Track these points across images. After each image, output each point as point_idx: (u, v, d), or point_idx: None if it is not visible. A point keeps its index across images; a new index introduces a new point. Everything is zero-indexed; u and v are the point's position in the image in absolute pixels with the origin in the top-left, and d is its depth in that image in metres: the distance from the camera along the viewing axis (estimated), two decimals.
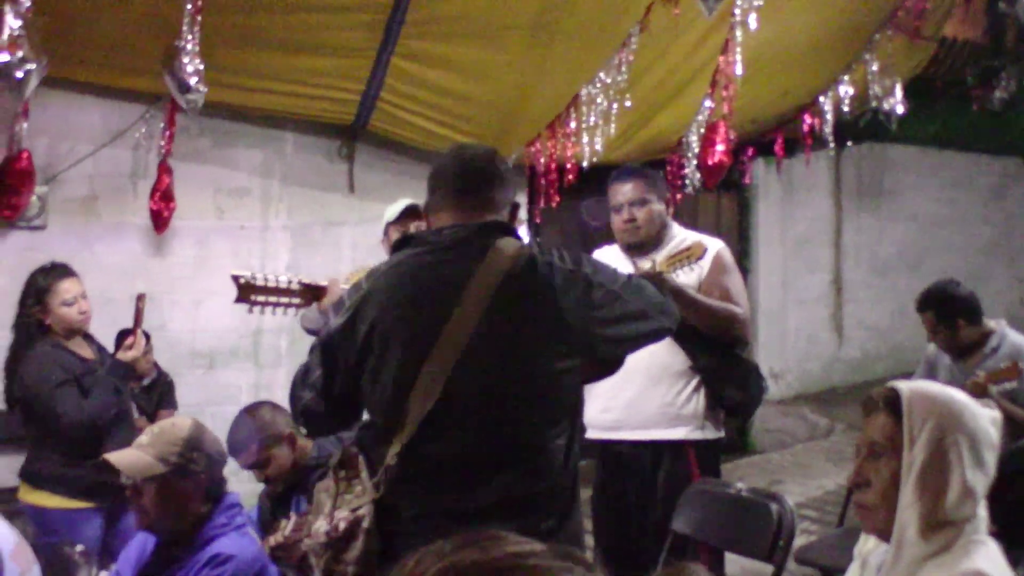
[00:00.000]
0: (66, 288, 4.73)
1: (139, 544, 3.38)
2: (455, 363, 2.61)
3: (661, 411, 4.28)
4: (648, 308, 2.87)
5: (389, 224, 4.71)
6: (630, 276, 2.96)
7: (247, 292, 3.35)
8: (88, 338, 4.92)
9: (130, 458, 3.22)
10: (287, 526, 3.36)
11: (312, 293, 3.43)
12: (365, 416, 2.92)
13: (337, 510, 2.73)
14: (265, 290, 3.38)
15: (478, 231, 2.76)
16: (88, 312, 4.81)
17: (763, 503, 3.87)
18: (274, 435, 4.12)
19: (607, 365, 3.03)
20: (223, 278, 7.25)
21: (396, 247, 2.87)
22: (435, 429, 2.62)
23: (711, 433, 4.38)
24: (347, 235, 7.80)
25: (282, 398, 5.03)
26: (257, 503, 4.39)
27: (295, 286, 3.41)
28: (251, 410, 4.27)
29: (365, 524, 2.65)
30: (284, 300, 3.41)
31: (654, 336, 2.95)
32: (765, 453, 9.80)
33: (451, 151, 2.94)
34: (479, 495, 2.62)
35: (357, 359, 2.72)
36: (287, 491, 4.16)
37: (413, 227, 4.63)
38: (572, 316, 2.71)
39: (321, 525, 2.74)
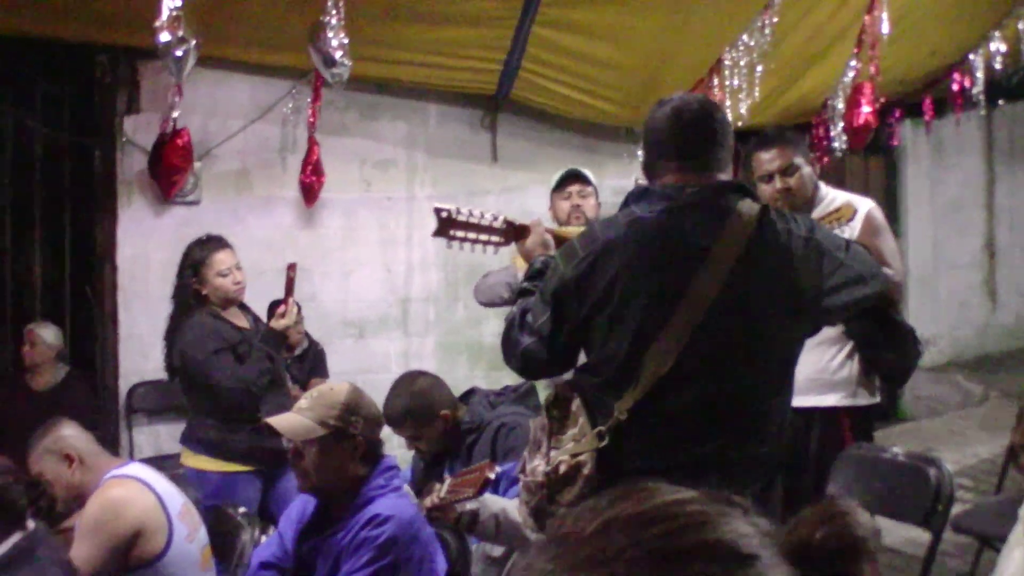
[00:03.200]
0: (221, 259, 4.85)
1: (300, 505, 3.47)
2: (697, 324, 2.60)
3: (813, 377, 4.17)
4: (865, 274, 2.85)
5: (553, 192, 4.77)
6: (848, 241, 2.93)
7: (447, 227, 3.31)
8: (243, 308, 5.04)
9: (291, 421, 3.30)
10: (442, 488, 3.39)
11: (515, 232, 3.40)
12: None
13: (554, 450, 2.76)
14: (466, 225, 3.33)
15: (718, 191, 2.73)
16: (243, 283, 4.92)
17: (921, 467, 3.81)
18: (429, 414, 4.15)
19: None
20: (371, 249, 7.47)
21: (631, 199, 2.81)
22: (668, 388, 2.62)
23: (865, 399, 4.31)
24: (491, 204, 7.80)
25: (430, 366, 5.13)
26: (410, 465, 4.45)
27: (499, 224, 3.36)
28: (411, 380, 4.29)
29: (586, 471, 2.66)
30: (484, 237, 3.36)
31: (868, 301, 2.93)
32: (917, 420, 9.61)
33: (663, 110, 2.84)
34: (700, 454, 2.64)
35: (590, 310, 2.69)
36: (441, 454, 4.21)
37: (575, 192, 4.70)
38: (806, 284, 2.72)
39: (539, 465, 2.77)
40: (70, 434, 3.77)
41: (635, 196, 2.81)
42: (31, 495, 3.09)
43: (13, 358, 6.73)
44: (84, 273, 6.99)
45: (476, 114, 7.93)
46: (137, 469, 3.87)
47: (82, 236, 6.96)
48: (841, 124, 7.89)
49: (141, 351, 6.52)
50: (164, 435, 6.66)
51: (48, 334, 6.43)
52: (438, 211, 3.34)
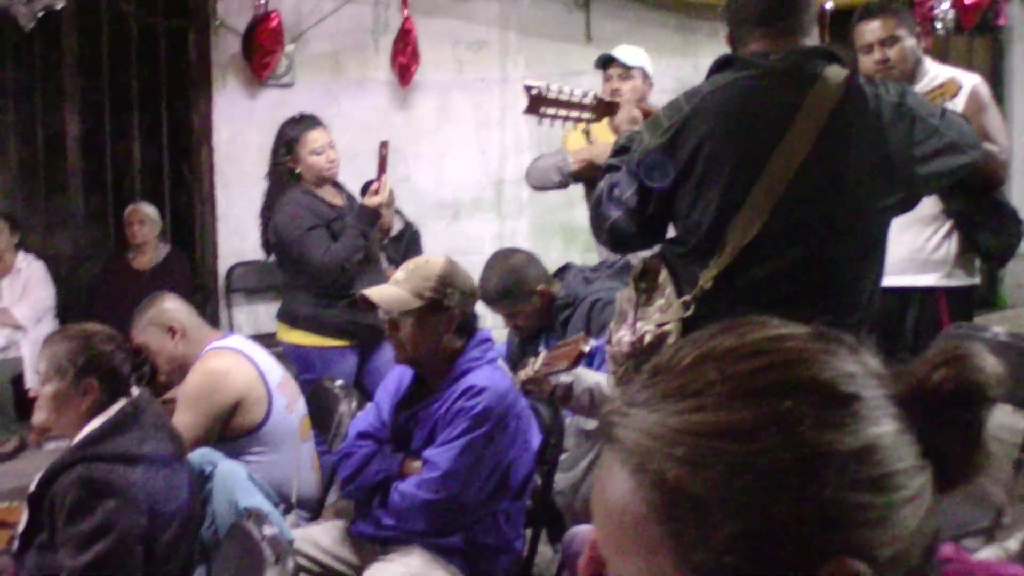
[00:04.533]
0: (314, 138, 4.85)
1: (396, 377, 3.50)
2: (781, 192, 2.58)
3: (910, 256, 4.11)
4: (961, 143, 2.77)
5: None
6: (944, 109, 2.86)
7: (538, 104, 3.34)
8: (338, 187, 5.05)
9: (387, 293, 3.32)
10: (537, 361, 3.41)
11: (604, 108, 3.40)
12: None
13: (640, 321, 2.76)
14: (556, 102, 3.35)
15: (805, 57, 2.69)
16: (336, 161, 4.92)
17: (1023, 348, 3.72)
18: (524, 290, 4.15)
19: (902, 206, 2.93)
20: (464, 130, 7.45)
21: (715, 68, 2.78)
22: (754, 256, 2.61)
23: (963, 280, 4.23)
24: (585, 85, 7.70)
25: (524, 248, 5.12)
26: (506, 341, 4.47)
27: (589, 100, 3.37)
28: (504, 258, 4.29)
29: (671, 340, 2.65)
30: (575, 114, 3.39)
31: (963, 171, 2.85)
32: (1016, 308, 9.43)
33: None
34: None
35: (676, 180, 2.68)
36: (536, 330, 4.22)
37: (615, 75, 4.61)
38: (896, 152, 2.66)
39: (625, 335, 2.78)
40: (172, 307, 3.84)
41: (719, 65, 2.77)
42: (135, 362, 3.16)
43: (115, 239, 6.87)
44: (182, 156, 7.08)
45: None
46: (237, 341, 3.95)
47: (179, 119, 7.04)
48: (948, 1, 7.62)
49: (239, 232, 6.61)
50: (263, 314, 6.78)
51: (152, 211, 6.56)
52: (528, 88, 3.38)
